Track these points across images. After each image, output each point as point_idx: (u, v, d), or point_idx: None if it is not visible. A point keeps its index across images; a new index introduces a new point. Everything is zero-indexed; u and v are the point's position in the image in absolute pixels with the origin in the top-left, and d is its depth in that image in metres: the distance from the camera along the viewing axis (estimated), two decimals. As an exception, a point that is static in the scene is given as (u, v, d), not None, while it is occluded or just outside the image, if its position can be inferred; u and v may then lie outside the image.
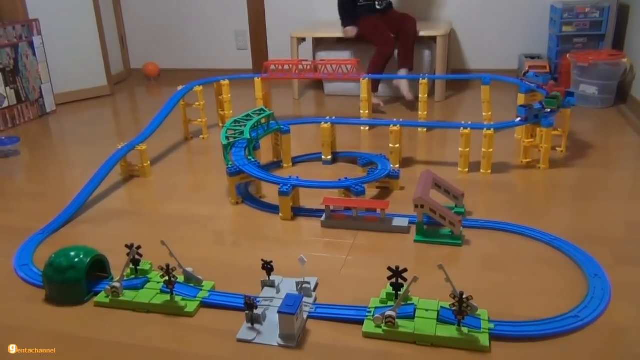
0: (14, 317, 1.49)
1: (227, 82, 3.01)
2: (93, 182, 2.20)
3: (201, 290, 1.52)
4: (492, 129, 2.28)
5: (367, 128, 2.99)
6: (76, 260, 1.51)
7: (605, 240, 1.74)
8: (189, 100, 2.92)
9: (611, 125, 2.91)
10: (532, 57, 3.68)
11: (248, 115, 2.39)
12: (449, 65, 3.86)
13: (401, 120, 2.43)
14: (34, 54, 3.50)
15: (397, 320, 1.32)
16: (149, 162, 2.47)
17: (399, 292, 1.38)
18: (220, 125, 3.05)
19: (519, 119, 2.33)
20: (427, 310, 1.37)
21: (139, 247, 1.54)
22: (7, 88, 3.32)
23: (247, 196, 2.17)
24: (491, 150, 2.28)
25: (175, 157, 2.73)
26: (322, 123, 2.47)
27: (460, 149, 2.31)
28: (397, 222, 1.86)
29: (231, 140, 2.20)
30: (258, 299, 1.44)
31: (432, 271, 1.35)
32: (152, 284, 1.55)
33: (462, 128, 2.29)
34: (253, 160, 2.11)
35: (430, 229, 1.81)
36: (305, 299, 1.44)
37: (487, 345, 1.27)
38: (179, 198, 2.24)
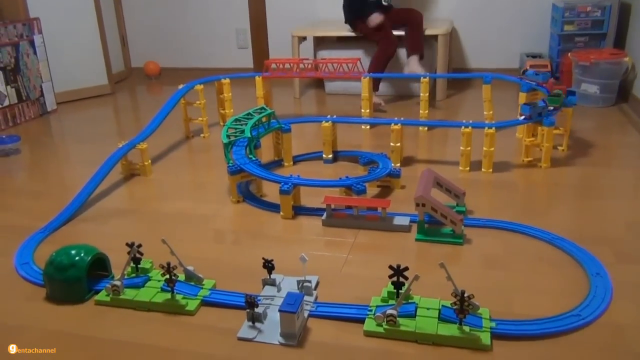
0: (15, 316, 1.49)
1: (227, 80, 3.02)
2: (94, 181, 2.20)
3: (202, 288, 1.52)
4: (493, 128, 2.27)
5: (368, 127, 2.99)
6: (77, 258, 1.51)
7: (606, 239, 1.73)
8: (190, 98, 2.92)
9: (612, 124, 2.91)
10: (534, 56, 3.68)
11: (249, 113, 2.39)
12: (450, 64, 3.86)
13: (402, 119, 2.42)
14: (35, 52, 3.50)
15: (398, 318, 1.32)
16: (149, 161, 2.47)
17: (400, 291, 1.38)
18: (221, 123, 3.05)
19: (523, 117, 2.33)
20: (428, 308, 1.37)
21: (139, 246, 1.53)
22: (8, 87, 3.33)
23: (248, 195, 2.17)
24: (492, 149, 2.28)
25: (176, 155, 2.72)
26: (323, 122, 2.47)
27: (461, 147, 2.31)
28: (398, 220, 1.86)
29: (232, 138, 2.20)
30: (259, 298, 1.44)
31: (434, 270, 1.35)
32: (152, 282, 1.55)
33: (463, 127, 2.28)
34: (254, 158, 2.11)
35: (431, 227, 1.81)
36: (306, 298, 1.43)
37: (488, 344, 1.27)
38: (179, 196, 2.24)
